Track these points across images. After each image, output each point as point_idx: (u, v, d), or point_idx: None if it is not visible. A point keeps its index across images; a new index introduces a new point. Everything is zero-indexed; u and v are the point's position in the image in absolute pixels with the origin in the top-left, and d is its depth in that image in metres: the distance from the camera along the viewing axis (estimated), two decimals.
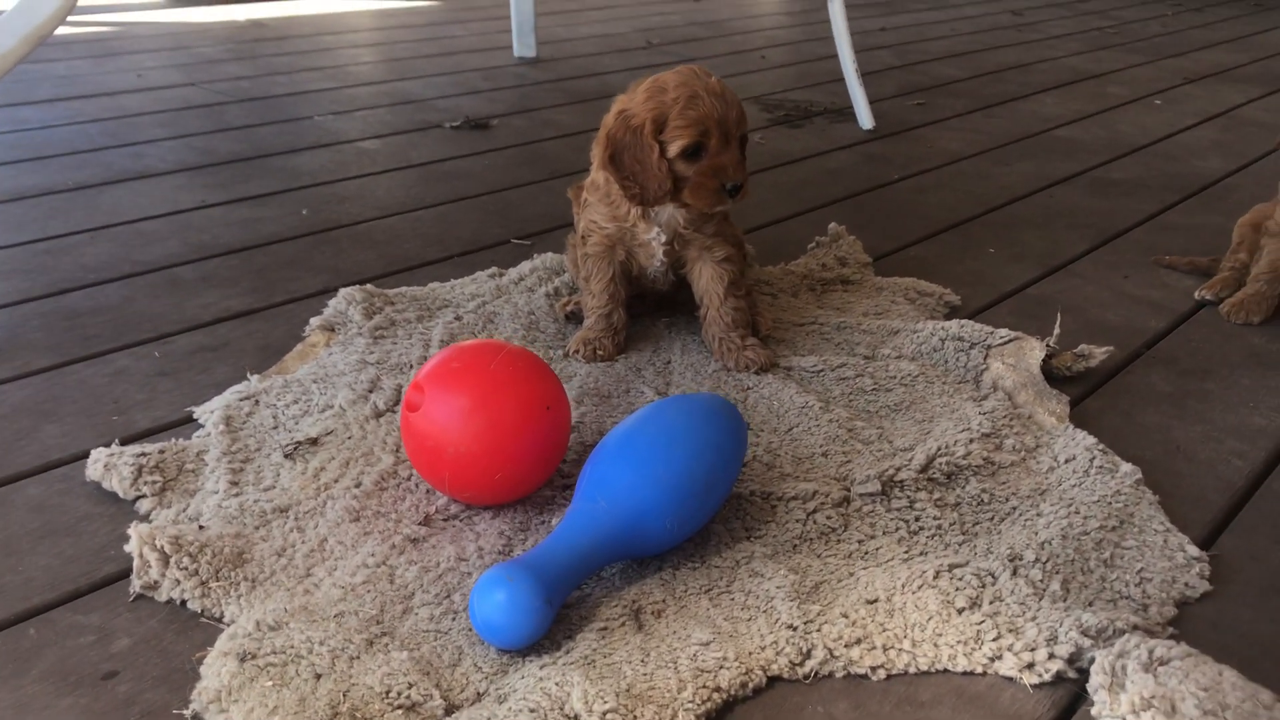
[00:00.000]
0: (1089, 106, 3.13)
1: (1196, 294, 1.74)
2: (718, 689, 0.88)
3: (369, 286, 1.58)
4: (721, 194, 1.32)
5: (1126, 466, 1.21)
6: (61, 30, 3.55)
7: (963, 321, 1.50)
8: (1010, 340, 1.45)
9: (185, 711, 0.85)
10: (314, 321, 1.50)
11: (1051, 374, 1.44)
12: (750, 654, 0.92)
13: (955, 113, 2.98)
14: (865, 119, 2.76)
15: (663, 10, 4.59)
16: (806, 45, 3.92)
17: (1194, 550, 1.09)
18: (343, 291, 1.55)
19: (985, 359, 1.43)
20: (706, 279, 1.43)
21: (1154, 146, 2.72)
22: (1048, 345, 1.42)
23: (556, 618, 0.95)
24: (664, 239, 1.41)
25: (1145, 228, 2.10)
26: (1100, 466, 1.21)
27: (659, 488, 0.99)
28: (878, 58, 3.72)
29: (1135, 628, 0.95)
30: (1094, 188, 2.34)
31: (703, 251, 1.43)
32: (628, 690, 0.86)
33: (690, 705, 0.86)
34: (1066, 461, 1.23)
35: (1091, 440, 1.25)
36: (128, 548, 1.00)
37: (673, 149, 1.30)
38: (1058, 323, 1.49)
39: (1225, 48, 4.31)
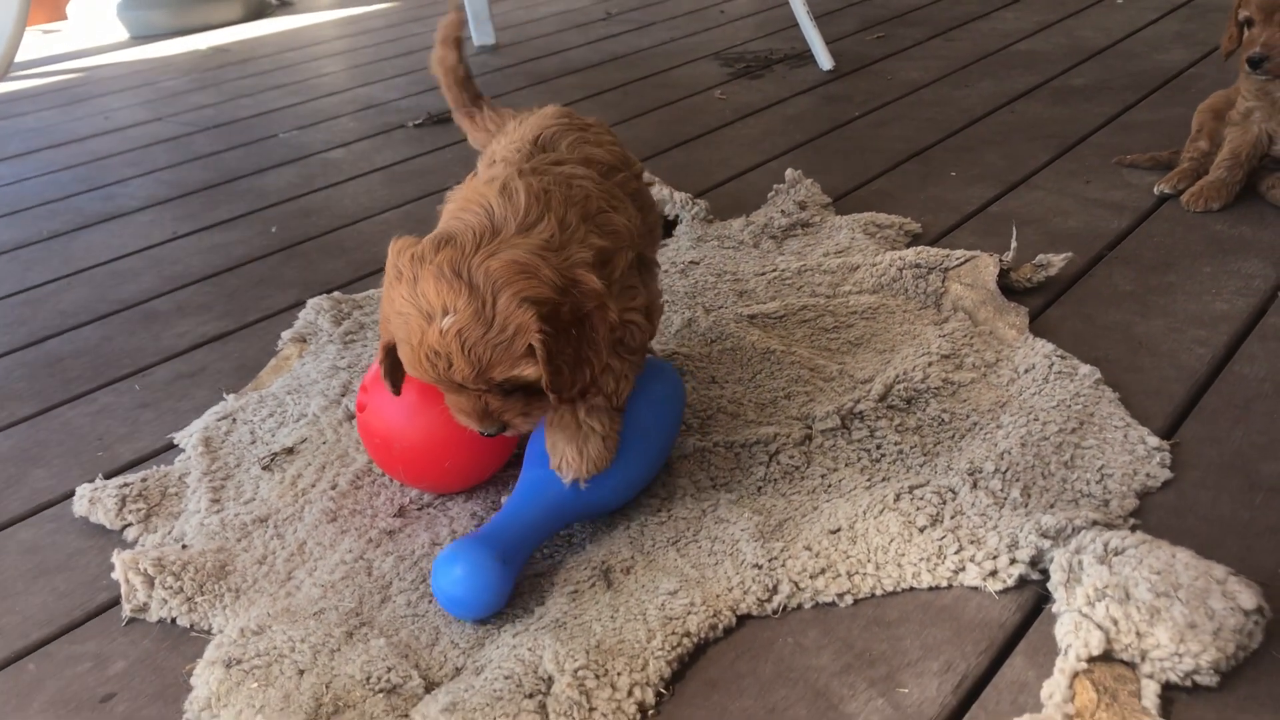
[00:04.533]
0: (1049, 15, 3.11)
1: (1155, 188, 1.74)
2: (687, 634, 0.91)
3: (336, 294, 1.60)
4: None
5: (1085, 368, 1.22)
6: (30, 82, 3.60)
7: (919, 248, 1.51)
8: (966, 260, 1.46)
9: None
10: (285, 335, 1.52)
11: (1013, 287, 1.45)
12: (718, 596, 0.95)
13: (915, 41, 2.97)
14: (824, 60, 2.75)
15: None
16: None
17: (1154, 441, 1.10)
18: (311, 302, 1.58)
19: (944, 282, 1.44)
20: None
21: (1115, 47, 2.70)
22: (1000, 260, 1.43)
23: (529, 585, 0.98)
24: None
25: (1107, 130, 2.09)
26: (1059, 372, 1.22)
27: None
28: None
29: (1094, 523, 0.96)
30: (1055, 97, 2.33)
31: None
32: (597, 646, 0.89)
33: (660, 652, 0.89)
34: (1026, 371, 1.24)
35: (1050, 347, 1.27)
36: (114, 575, 1.03)
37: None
38: (1014, 237, 1.50)
39: None
